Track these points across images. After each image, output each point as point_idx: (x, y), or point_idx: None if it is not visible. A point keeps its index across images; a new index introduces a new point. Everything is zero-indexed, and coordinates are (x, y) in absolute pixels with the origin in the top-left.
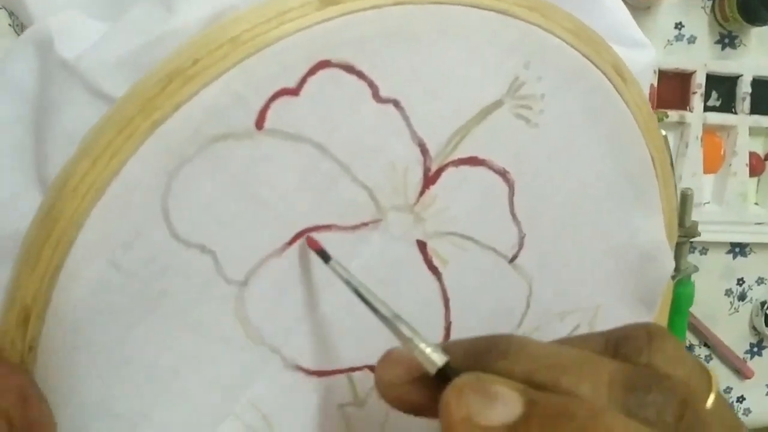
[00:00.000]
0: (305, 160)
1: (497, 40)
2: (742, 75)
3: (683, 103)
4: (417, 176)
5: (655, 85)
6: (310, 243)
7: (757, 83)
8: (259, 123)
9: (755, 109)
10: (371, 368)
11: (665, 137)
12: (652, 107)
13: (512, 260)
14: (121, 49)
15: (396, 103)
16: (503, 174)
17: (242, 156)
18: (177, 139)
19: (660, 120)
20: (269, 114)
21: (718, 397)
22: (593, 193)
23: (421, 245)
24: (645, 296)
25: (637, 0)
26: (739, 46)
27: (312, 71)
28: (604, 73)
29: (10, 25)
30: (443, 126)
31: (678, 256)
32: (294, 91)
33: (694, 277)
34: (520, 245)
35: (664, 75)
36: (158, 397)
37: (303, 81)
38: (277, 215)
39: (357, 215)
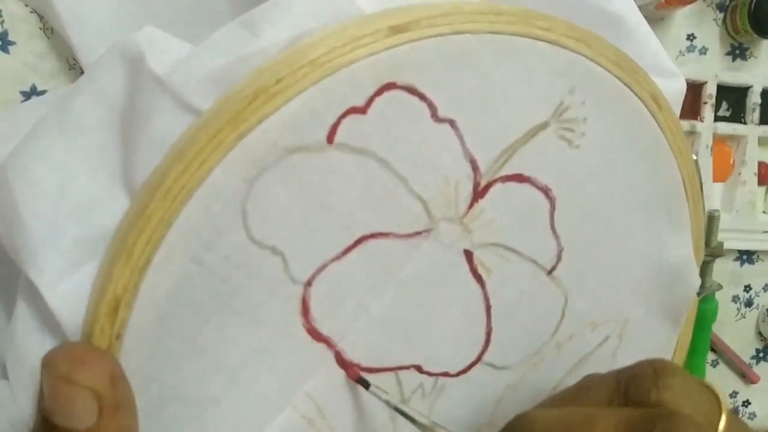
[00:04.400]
0: (368, 173)
1: (547, 68)
2: (752, 86)
3: (694, 112)
4: (467, 190)
5: None
6: (351, 374)
7: (767, 94)
8: (330, 138)
9: (764, 120)
10: (417, 368)
11: (696, 161)
12: None
13: (550, 272)
14: (208, 66)
15: (452, 123)
16: (546, 191)
17: (313, 167)
18: (258, 150)
19: None
20: (339, 130)
21: (729, 417)
22: (628, 211)
23: (468, 255)
24: (672, 311)
25: (650, 11)
26: (750, 57)
27: (379, 92)
28: (642, 101)
29: (40, 28)
30: (493, 145)
31: (703, 274)
32: (362, 110)
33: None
34: (558, 258)
35: None
36: (227, 385)
37: (371, 101)
38: (341, 222)
39: (412, 224)
